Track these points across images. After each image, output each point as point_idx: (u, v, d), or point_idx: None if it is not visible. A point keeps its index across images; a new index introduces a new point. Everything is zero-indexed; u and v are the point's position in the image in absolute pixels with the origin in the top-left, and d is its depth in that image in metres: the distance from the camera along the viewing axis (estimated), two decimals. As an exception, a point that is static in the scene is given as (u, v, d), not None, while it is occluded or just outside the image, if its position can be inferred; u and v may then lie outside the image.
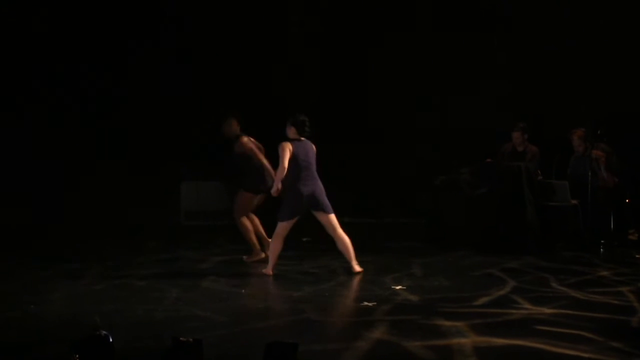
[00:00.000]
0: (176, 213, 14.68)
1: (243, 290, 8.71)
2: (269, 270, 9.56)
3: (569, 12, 13.66)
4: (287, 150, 9.26)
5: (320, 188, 9.39)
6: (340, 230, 9.48)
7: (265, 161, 10.21)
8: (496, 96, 14.09)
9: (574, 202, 11.50)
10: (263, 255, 10.36)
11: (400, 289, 8.69)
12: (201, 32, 14.86)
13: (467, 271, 9.85)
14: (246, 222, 10.42)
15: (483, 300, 8.12)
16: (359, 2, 15.11)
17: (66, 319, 7.34)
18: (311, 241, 11.73)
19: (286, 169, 9.19)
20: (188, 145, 14.83)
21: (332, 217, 9.44)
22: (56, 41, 14.46)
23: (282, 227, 9.45)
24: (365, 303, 7.94)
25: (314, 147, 9.56)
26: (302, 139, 9.47)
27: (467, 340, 6.57)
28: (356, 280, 9.22)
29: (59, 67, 14.44)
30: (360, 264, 9.92)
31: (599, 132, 11.84)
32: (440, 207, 12.24)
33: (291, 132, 9.49)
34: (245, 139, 10.37)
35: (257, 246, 10.47)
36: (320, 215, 9.43)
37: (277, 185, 9.22)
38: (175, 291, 8.57)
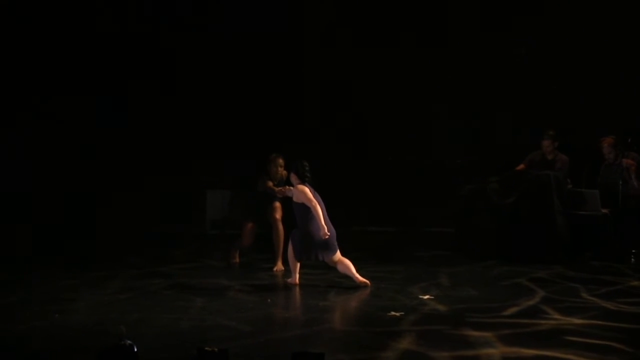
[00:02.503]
0: (202, 222, 14.70)
1: (269, 300, 8.70)
2: (294, 279, 9.57)
3: (597, 19, 13.57)
4: (307, 190, 9.34)
5: (333, 231, 9.42)
6: (342, 257, 9.49)
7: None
8: (525, 105, 14.04)
9: (604, 211, 11.41)
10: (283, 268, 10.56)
11: (427, 298, 8.66)
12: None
13: (496, 281, 9.80)
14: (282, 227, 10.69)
15: (512, 310, 8.06)
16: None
17: (91, 328, 7.35)
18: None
19: (317, 207, 9.23)
20: (214, 153, 14.88)
21: (338, 253, 9.48)
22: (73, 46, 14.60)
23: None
24: (392, 313, 7.90)
25: None
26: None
27: (496, 351, 6.52)
28: (383, 289, 9.19)
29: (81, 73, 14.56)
30: (387, 273, 9.91)
31: (629, 140, 11.76)
32: (468, 216, 12.18)
33: (294, 178, 9.57)
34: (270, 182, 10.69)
35: (281, 256, 10.58)
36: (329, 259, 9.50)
37: (325, 228, 9.21)
38: (200, 300, 8.57)
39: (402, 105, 14.97)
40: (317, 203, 9.25)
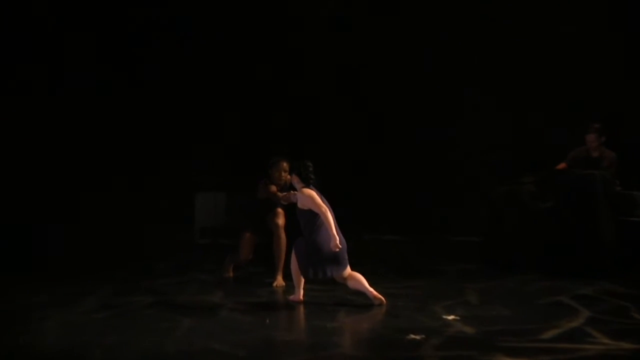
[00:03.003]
0: (190, 229, 14.71)
1: (267, 320, 8.68)
2: (297, 297, 9.54)
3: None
4: (315, 194, 9.32)
5: (344, 242, 9.38)
6: (352, 272, 9.49)
7: None
8: (564, 91, 14.04)
9: (659, 217, 11.42)
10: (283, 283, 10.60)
11: (452, 319, 8.63)
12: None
13: (532, 299, 9.76)
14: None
15: (551, 333, 8.01)
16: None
17: (61, 353, 7.33)
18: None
19: (328, 214, 9.20)
20: (204, 151, 14.93)
21: (348, 268, 9.47)
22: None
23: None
24: (412, 336, 7.87)
25: None
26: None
27: (533, 381, 6.51)
28: (400, 308, 9.16)
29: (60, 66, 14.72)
30: (406, 289, 9.88)
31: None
32: (499, 224, 12.15)
33: (296, 181, 9.54)
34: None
35: (282, 270, 10.59)
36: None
37: (336, 238, 9.17)
38: (188, 321, 8.56)
39: (422, 95, 15.00)
40: (327, 209, 9.24)
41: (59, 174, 14.36)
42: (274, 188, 10.65)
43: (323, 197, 9.40)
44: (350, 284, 9.48)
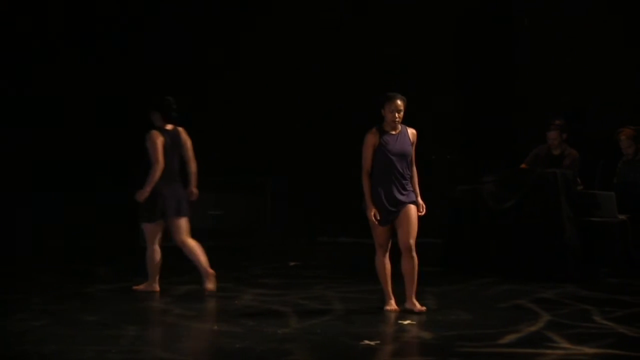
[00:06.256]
0: (134, 231, 14.64)
1: (215, 327, 8.71)
2: (149, 285, 10.14)
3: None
4: (159, 142, 9.67)
5: (178, 194, 9.87)
6: (190, 240, 9.99)
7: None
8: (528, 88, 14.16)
9: (622, 217, 11.53)
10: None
11: (409, 324, 8.71)
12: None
13: (492, 302, 9.88)
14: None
15: (510, 337, 8.11)
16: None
17: (-3, 363, 7.30)
18: (300, 266, 11.72)
19: (161, 166, 9.59)
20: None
21: (183, 221, 9.94)
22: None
23: (147, 233, 10.08)
24: (366, 342, 7.92)
25: (183, 134, 9.95)
26: (170, 126, 9.85)
27: (491, 387, 6.60)
28: (355, 313, 9.20)
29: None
30: (361, 293, 9.95)
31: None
32: (460, 225, 12.25)
33: (156, 118, 9.90)
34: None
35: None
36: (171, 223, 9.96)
37: (145, 193, 9.72)
38: (132, 328, 8.52)
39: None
40: (161, 166, 9.62)
41: (7, 172, 14.30)
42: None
43: (178, 141, 9.81)
44: (186, 251, 9.97)
